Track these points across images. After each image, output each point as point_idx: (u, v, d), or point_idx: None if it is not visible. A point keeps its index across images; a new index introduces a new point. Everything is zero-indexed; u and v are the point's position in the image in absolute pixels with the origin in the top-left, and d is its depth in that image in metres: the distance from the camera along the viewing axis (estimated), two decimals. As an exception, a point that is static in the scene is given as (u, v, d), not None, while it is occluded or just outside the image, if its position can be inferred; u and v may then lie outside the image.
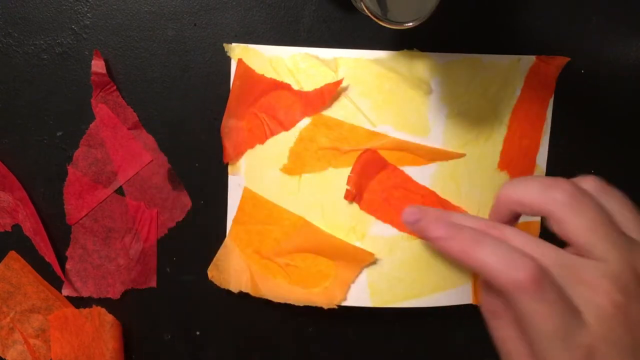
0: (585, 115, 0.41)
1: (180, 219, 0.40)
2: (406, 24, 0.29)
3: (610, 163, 0.41)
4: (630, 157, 0.42)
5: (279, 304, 0.39)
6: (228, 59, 0.38)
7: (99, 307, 0.39)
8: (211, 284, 0.40)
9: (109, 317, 0.39)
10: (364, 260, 0.38)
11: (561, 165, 0.41)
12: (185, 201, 0.39)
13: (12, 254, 0.39)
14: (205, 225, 0.40)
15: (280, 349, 0.42)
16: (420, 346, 0.42)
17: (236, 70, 0.38)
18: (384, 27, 0.30)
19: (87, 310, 0.40)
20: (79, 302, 0.40)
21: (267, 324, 0.41)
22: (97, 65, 0.37)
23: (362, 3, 0.29)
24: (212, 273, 0.39)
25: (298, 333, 0.41)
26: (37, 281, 0.39)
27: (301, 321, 0.41)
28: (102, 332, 0.39)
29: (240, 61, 0.37)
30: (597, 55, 0.40)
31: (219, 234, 0.40)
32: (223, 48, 0.38)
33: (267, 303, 0.40)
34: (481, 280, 0.29)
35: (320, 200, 0.38)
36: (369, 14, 0.29)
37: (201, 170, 0.39)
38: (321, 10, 0.38)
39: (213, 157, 0.39)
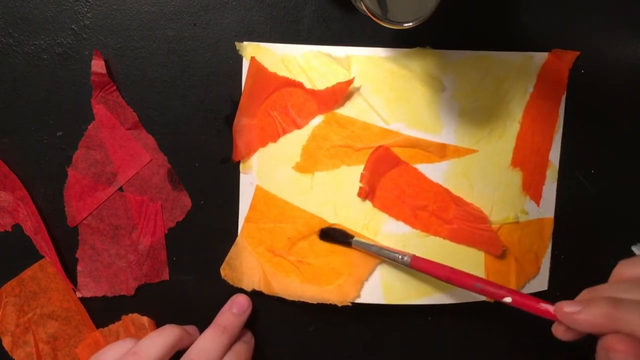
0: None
1: (181, 219, 0.40)
2: (406, 24, 0.29)
3: (617, 161, 0.41)
4: (632, 156, 0.42)
5: (279, 304, 0.39)
6: (228, 59, 0.38)
7: (131, 315, 0.40)
8: (211, 284, 0.40)
9: (144, 319, 0.39)
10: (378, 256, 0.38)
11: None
12: (185, 201, 0.39)
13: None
14: (205, 225, 0.40)
15: (281, 349, 0.42)
16: (421, 344, 0.42)
17: (249, 69, 0.38)
18: (384, 26, 0.30)
19: (117, 323, 0.40)
20: (95, 302, 0.40)
21: (267, 324, 0.41)
22: (97, 65, 0.37)
23: (362, 3, 0.29)
24: (225, 272, 0.40)
25: (298, 333, 0.41)
26: (65, 290, 0.39)
27: (301, 321, 0.41)
28: (141, 336, 0.39)
29: (253, 59, 0.37)
30: (599, 55, 0.40)
31: (220, 234, 0.40)
32: (223, 48, 0.38)
33: (266, 303, 0.40)
34: None
35: (333, 198, 0.38)
36: (369, 14, 0.29)
37: (201, 170, 0.39)
38: (321, 10, 0.38)
39: (213, 157, 0.39)
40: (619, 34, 0.40)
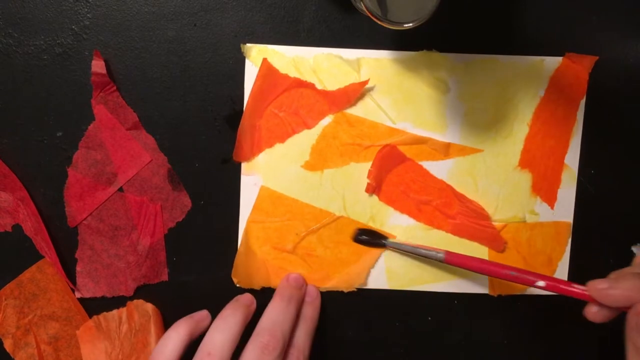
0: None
1: (181, 219, 0.40)
2: (406, 24, 0.29)
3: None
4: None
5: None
6: (228, 59, 0.38)
7: (135, 301, 0.39)
8: (211, 285, 0.40)
9: (148, 306, 0.39)
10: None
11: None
12: (185, 201, 0.39)
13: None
14: (205, 225, 0.40)
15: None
16: (421, 344, 0.42)
17: (260, 70, 0.38)
18: (384, 27, 0.30)
19: (121, 309, 0.40)
20: (94, 302, 0.40)
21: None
22: (97, 65, 0.37)
23: (362, 3, 0.29)
24: (237, 278, 0.40)
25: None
26: (64, 290, 0.40)
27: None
28: (144, 323, 0.39)
29: (264, 61, 0.38)
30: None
31: (220, 234, 0.40)
32: (223, 48, 0.38)
33: (266, 304, 0.40)
34: None
35: (342, 193, 0.40)
36: (369, 14, 0.29)
37: (201, 170, 0.39)
38: (321, 10, 0.38)
39: (213, 157, 0.39)
40: (622, 36, 0.40)
